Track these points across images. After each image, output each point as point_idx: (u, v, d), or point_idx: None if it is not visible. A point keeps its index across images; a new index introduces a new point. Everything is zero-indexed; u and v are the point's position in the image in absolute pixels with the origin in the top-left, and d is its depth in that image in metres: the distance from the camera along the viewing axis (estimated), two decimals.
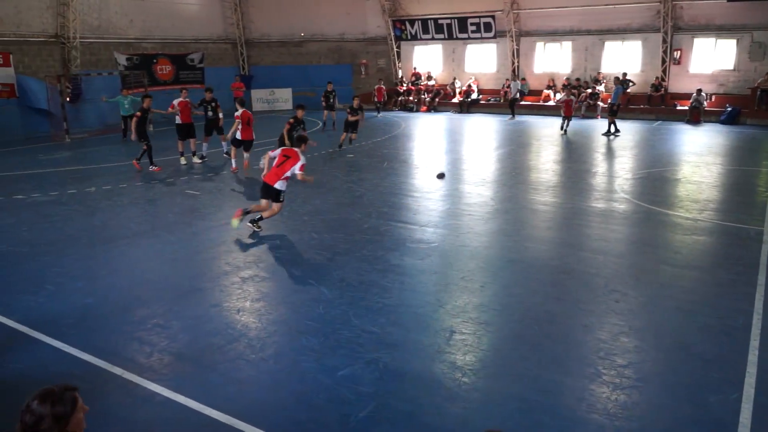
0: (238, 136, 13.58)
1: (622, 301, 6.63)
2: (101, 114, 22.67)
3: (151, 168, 13.98)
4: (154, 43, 26.22)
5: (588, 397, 4.80)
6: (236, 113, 13.71)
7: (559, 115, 21.47)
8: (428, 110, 28.53)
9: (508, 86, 27.84)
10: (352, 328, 5.97)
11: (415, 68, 30.58)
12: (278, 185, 8.95)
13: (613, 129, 19.93)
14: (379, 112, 27.50)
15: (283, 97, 29.50)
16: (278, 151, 9.28)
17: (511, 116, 25.16)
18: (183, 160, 14.98)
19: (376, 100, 27.79)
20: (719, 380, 4.99)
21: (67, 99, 20.69)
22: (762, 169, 14.48)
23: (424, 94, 29.24)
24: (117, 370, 5.20)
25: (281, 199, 9.12)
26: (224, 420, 4.49)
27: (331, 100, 21.61)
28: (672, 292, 6.95)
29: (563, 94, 23.08)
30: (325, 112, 21.90)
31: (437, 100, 28.92)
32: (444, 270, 7.70)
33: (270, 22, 30.34)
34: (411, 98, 29.35)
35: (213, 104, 15.20)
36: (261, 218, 9.25)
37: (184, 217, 10.32)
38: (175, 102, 14.88)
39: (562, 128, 20.75)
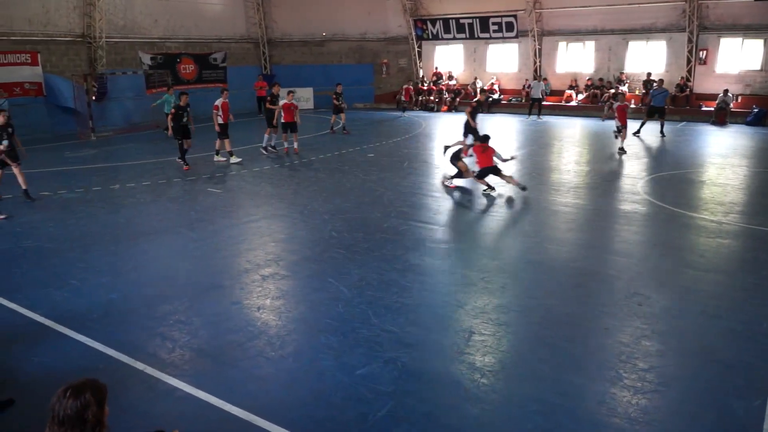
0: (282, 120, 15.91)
1: (644, 304, 6.55)
2: (126, 112, 23.00)
3: (180, 162, 14.25)
4: (177, 43, 26.51)
5: (609, 401, 4.75)
6: (282, 102, 16.13)
7: (584, 115, 21.04)
8: (449, 110, 28.44)
9: (529, 86, 27.68)
10: (371, 327, 5.99)
11: (436, 68, 30.51)
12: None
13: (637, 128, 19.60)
14: (404, 112, 27.26)
15: (305, 97, 29.62)
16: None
17: (529, 116, 24.93)
18: (233, 159, 15.15)
19: (403, 99, 27.40)
20: (743, 386, 4.91)
21: (93, 98, 21.01)
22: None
23: (445, 94, 29.16)
24: (139, 365, 5.28)
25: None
26: (243, 416, 4.54)
27: (340, 102, 20.52)
28: (696, 296, 6.85)
29: (612, 99, 19.20)
30: (334, 116, 20.76)
31: (458, 99, 28.81)
32: (464, 270, 7.68)
33: (292, 21, 30.50)
34: (432, 98, 29.30)
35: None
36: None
37: (205, 214, 10.43)
38: (219, 102, 15.08)
39: (619, 144, 16.63)
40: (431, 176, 13.86)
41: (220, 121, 14.95)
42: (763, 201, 11.45)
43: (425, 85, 30.07)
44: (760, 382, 4.92)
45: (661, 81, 21.37)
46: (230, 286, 7.21)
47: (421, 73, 30.85)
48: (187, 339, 5.82)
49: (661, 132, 19.68)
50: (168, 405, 4.78)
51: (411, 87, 28.21)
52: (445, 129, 22.83)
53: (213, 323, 6.19)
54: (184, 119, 13.66)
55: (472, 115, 15.57)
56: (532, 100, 25.12)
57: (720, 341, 5.74)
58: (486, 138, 12.05)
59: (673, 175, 13.48)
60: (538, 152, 17.45)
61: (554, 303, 6.70)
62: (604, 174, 13.71)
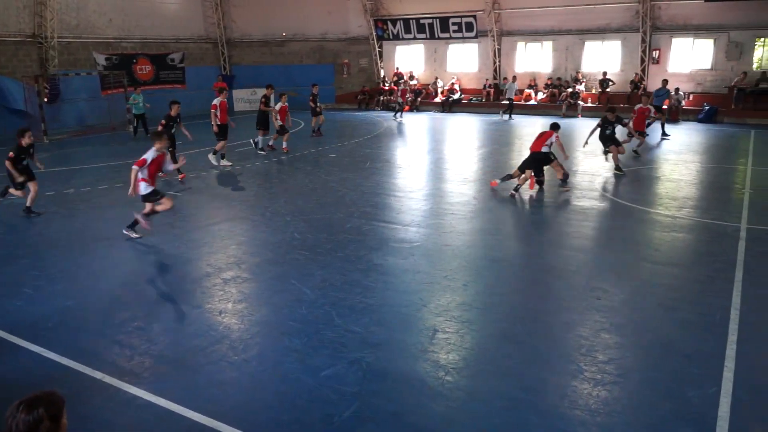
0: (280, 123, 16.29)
1: (603, 298, 6.69)
2: (80, 114, 22.43)
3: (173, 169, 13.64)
4: (133, 43, 25.97)
5: (570, 394, 4.84)
6: (279, 105, 16.39)
7: (544, 114, 21.26)
8: (410, 110, 28.58)
9: (490, 86, 28.02)
10: (335, 328, 5.96)
11: (397, 68, 30.63)
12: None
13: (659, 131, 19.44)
14: (400, 116, 25.41)
15: None
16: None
17: (504, 115, 25.11)
18: (225, 161, 14.85)
19: (400, 101, 25.94)
20: (698, 375, 5.05)
21: (45, 99, 20.41)
22: (739, 166, 14.70)
23: (406, 94, 29.28)
24: (98, 374, 5.13)
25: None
26: (206, 422, 4.46)
27: (317, 104, 19.79)
28: (652, 289, 7.03)
29: (642, 101, 16.99)
30: (314, 118, 19.90)
31: (419, 99, 28.97)
32: (427, 269, 7.72)
33: (251, 21, 30.21)
34: (393, 98, 29.39)
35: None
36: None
37: (165, 218, 10.21)
38: (217, 102, 14.64)
39: (634, 147, 16.09)
40: (394, 176, 13.90)
41: (218, 121, 14.54)
42: (715, 195, 11.83)
43: (386, 85, 30.14)
44: (714, 371, 5.07)
45: (665, 81, 21.69)
46: (191, 291, 7.09)
47: (382, 74, 30.91)
48: (147, 346, 5.69)
49: (663, 132, 19.45)
50: (128, 414, 4.66)
51: (406, 88, 27.32)
52: (408, 129, 22.93)
53: (173, 329, 6.07)
54: (173, 129, 13.09)
55: None
56: (507, 100, 25.36)
57: (676, 332, 5.90)
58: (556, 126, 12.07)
59: (629, 172, 13.81)
60: (499, 150, 17.66)
61: (516, 299, 6.80)
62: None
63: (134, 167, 8.50)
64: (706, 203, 11.28)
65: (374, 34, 30.11)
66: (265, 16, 29.97)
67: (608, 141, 13.95)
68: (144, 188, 8.67)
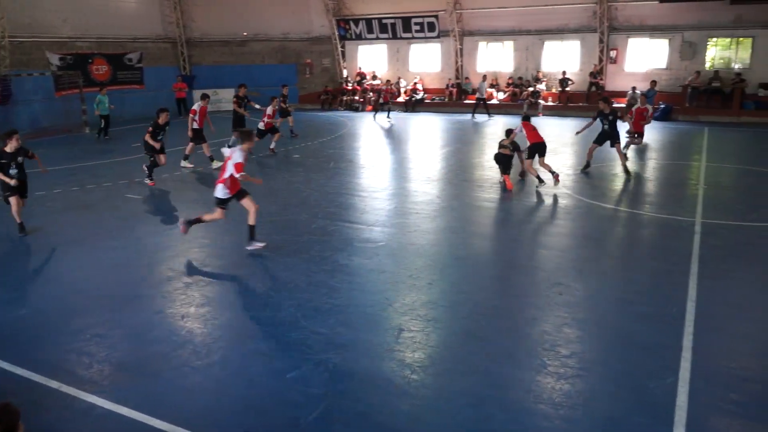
0: (262, 126, 15.95)
1: (565, 293, 6.81)
2: (34, 116, 21.76)
3: (147, 181, 12.82)
4: (89, 43, 25.27)
5: (535, 388, 4.91)
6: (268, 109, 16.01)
7: (505, 113, 21.41)
8: (374, 110, 28.58)
9: (453, 85, 28.23)
10: (300, 330, 5.92)
11: (360, 68, 30.60)
12: None
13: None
14: (387, 113, 25.17)
15: (227, 98, 28.92)
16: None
17: (475, 115, 25.24)
18: (189, 164, 14.57)
19: (382, 101, 25.49)
20: (657, 366, 5.18)
21: None
22: (693, 163, 15.13)
23: (369, 94, 29.27)
24: (54, 384, 4.99)
25: None
26: (170, 430, 4.38)
27: (287, 105, 19.30)
28: (612, 284, 7.19)
29: (640, 101, 17.23)
30: (279, 119, 18.60)
31: (382, 99, 28.99)
32: (392, 269, 7.72)
33: (212, 20, 29.74)
34: (356, 98, 29.35)
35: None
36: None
37: (124, 222, 10.00)
38: (196, 107, 14.49)
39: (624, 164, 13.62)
40: (358, 176, 13.89)
41: (195, 126, 14.32)
42: (671, 192, 12.15)
43: (349, 85, 30.09)
44: (672, 362, 5.21)
45: (653, 83, 21.90)
46: (152, 296, 6.94)
47: (345, 73, 30.85)
48: (106, 353, 5.56)
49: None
50: (87, 424, 4.55)
51: (392, 88, 26.84)
52: (371, 129, 22.93)
53: (134, 335, 5.94)
54: (160, 136, 12.63)
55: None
56: (477, 100, 25.53)
57: (635, 325, 6.04)
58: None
59: (588, 169, 14.07)
60: (462, 149, 17.80)
61: (481, 296, 6.86)
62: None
63: (239, 174, 7.97)
64: (662, 199, 11.57)
65: (337, 33, 30.02)
66: (225, 16, 29.57)
67: (607, 138, 13.35)
68: (221, 191, 8.17)
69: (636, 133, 15.93)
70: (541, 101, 25.71)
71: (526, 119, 12.70)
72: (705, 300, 6.50)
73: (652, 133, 20.49)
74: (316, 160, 15.59)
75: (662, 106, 23.85)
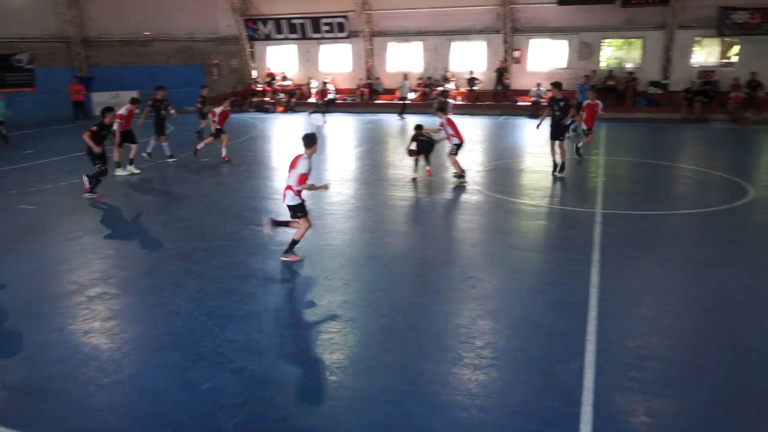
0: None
1: (477, 286, 6.99)
2: None
3: (88, 194, 11.48)
4: None
5: (452, 381, 5.00)
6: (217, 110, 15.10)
7: (415, 112, 21.69)
8: (285, 111, 28.24)
9: (364, 86, 28.36)
10: (213, 339, 5.74)
11: (269, 68, 30.14)
12: None
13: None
14: (323, 114, 24.59)
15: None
16: None
17: (400, 115, 25.38)
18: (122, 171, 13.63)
19: (320, 102, 24.83)
20: (565, 351, 5.42)
21: None
22: (593, 157, 15.97)
23: (280, 95, 28.89)
24: None
25: None
26: None
27: (204, 107, 18.04)
28: (521, 275, 7.46)
29: (589, 95, 16.82)
30: (203, 122, 17.94)
31: (294, 100, 28.71)
32: (307, 271, 7.65)
33: (111, 19, 28.36)
34: (267, 99, 28.88)
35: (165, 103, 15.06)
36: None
37: (17, 234, 9.32)
38: (124, 111, 13.54)
39: (577, 153, 15.33)
40: (270, 178, 13.66)
41: (120, 129, 13.38)
42: (574, 185, 12.78)
43: (259, 86, 29.57)
44: (578, 346, 5.47)
45: (587, 77, 22.42)
46: (51, 312, 6.50)
47: (254, 74, 30.29)
48: (1, 377, 5.15)
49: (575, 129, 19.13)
50: None
51: (327, 88, 26.11)
52: (282, 130, 22.64)
53: (31, 355, 5.54)
54: (106, 138, 11.56)
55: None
56: (400, 99, 25.73)
57: (543, 313, 6.29)
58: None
59: (497, 166, 14.58)
60: (374, 149, 17.92)
61: (397, 294, 6.92)
62: (435, 167, 14.42)
63: (301, 187, 7.53)
64: (565, 192, 12.16)
65: (245, 33, 29.42)
66: (125, 14, 28.27)
67: (560, 131, 13.28)
68: (291, 198, 7.67)
69: (588, 129, 15.49)
70: (450, 100, 26.32)
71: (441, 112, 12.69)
72: (606, 286, 6.88)
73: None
74: (226, 163, 15.19)
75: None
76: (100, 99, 27.19)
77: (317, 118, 24.63)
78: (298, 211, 7.73)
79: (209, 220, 9.97)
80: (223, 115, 15.06)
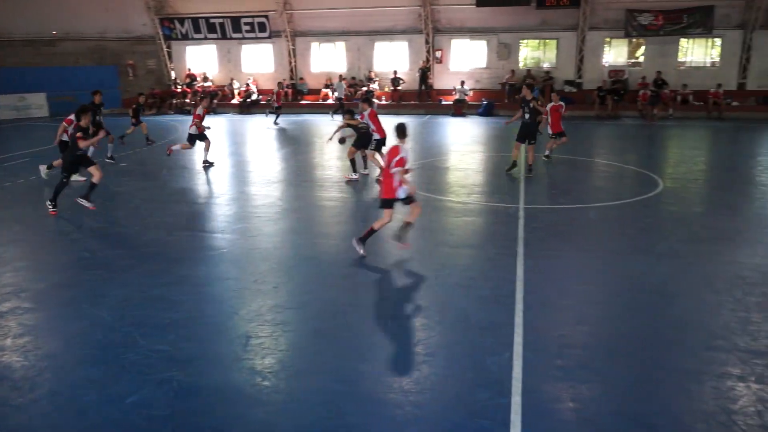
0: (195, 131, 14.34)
1: (408, 284, 7.06)
2: None
3: (83, 200, 10.27)
4: None
5: (385, 379, 5.03)
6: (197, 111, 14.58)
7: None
8: (207, 113, 27.49)
9: (287, 86, 28.06)
10: (138, 350, 5.51)
11: (189, 69, 29.29)
12: None
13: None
14: (276, 116, 23.72)
15: (37, 103, 26.16)
16: None
17: (336, 115, 25.15)
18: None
19: (275, 104, 23.87)
20: (494, 344, 5.57)
21: None
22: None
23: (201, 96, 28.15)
24: None
25: None
26: None
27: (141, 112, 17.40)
28: (451, 271, 7.59)
29: (541, 98, 16.90)
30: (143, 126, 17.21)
31: (215, 101, 28.03)
32: (236, 275, 7.49)
33: (13, 17, 26.73)
34: (187, 100, 28.05)
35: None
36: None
37: None
38: (73, 117, 11.96)
39: (548, 156, 15.07)
40: (194, 182, 13.29)
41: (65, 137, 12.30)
42: (497, 181, 13.14)
43: (179, 87, 28.69)
44: (506, 338, 5.63)
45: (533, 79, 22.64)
46: None
47: (173, 75, 29.35)
48: None
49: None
50: None
51: (281, 90, 24.96)
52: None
53: None
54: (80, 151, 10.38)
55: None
56: (336, 100, 25.52)
57: (473, 307, 6.44)
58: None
59: (423, 164, 14.78)
60: (301, 150, 17.77)
61: (328, 295, 6.89)
62: (361, 167, 14.48)
63: (399, 168, 7.74)
64: (490, 188, 12.48)
65: (161, 33, 28.45)
66: (30, 12, 26.70)
67: (527, 133, 13.00)
68: (404, 191, 7.90)
69: (556, 134, 14.71)
70: (375, 100, 26.46)
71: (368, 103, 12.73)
72: (531, 278, 7.12)
73: (478, 127, 22.03)
74: (146, 168, 14.66)
75: (485, 102, 25.73)
76: (4, 102, 25.62)
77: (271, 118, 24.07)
78: (411, 198, 8.11)
79: (130, 226, 9.58)
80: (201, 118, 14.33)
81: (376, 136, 12.38)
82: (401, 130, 8.02)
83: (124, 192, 12.09)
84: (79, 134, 9.98)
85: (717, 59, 25.71)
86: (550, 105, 14.88)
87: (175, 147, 14.73)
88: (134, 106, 17.27)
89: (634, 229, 9.39)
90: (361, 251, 7.94)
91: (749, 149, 17.26)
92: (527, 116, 13.06)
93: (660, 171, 13.66)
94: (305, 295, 6.94)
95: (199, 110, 14.61)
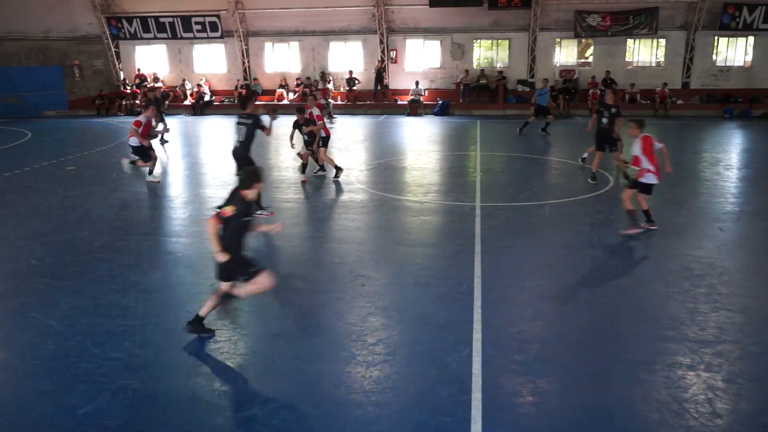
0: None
1: (367, 284, 7.07)
2: None
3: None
4: None
5: (346, 380, 5.02)
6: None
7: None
8: (155, 120, 26.84)
9: (241, 87, 27.69)
10: (91, 359, 5.35)
11: (138, 69, 28.56)
12: None
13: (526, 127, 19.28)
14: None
15: None
16: None
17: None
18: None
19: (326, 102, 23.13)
20: (454, 341, 5.62)
21: None
22: (470, 153, 16.70)
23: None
24: None
25: None
26: None
27: None
28: (409, 270, 7.63)
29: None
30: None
31: (167, 102, 27.39)
32: (191, 279, 7.35)
33: None
34: (137, 102, 27.34)
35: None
36: None
37: None
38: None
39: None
40: (144, 186, 12.95)
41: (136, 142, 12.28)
42: (454, 180, 13.28)
43: (128, 88, 27.95)
44: (465, 335, 5.69)
45: (545, 81, 22.52)
46: None
47: (122, 76, 28.59)
48: None
49: (545, 129, 19.37)
50: None
51: (325, 88, 24.19)
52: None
53: None
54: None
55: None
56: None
57: (432, 306, 6.48)
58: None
59: (380, 164, 14.81)
60: (256, 151, 17.50)
61: (286, 297, 6.82)
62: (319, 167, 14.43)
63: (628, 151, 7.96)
64: (446, 187, 12.59)
65: (108, 32, 27.66)
66: None
67: (606, 141, 12.05)
68: (654, 178, 8.66)
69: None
70: (331, 101, 26.38)
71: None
72: (489, 275, 7.22)
73: (434, 127, 22.19)
74: (95, 171, 14.22)
75: (440, 102, 25.95)
76: None
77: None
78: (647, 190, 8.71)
79: (79, 232, 9.28)
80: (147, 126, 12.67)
81: (322, 133, 12.53)
82: (640, 123, 8.84)
83: (74, 196, 11.70)
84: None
85: (662, 59, 26.57)
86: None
87: (125, 162, 13.24)
88: (153, 99, 16.93)
89: (588, 225, 9.63)
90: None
91: (694, 146, 17.91)
92: (605, 121, 11.97)
93: (610, 168, 14.02)
94: (263, 298, 6.84)
95: (142, 117, 12.61)
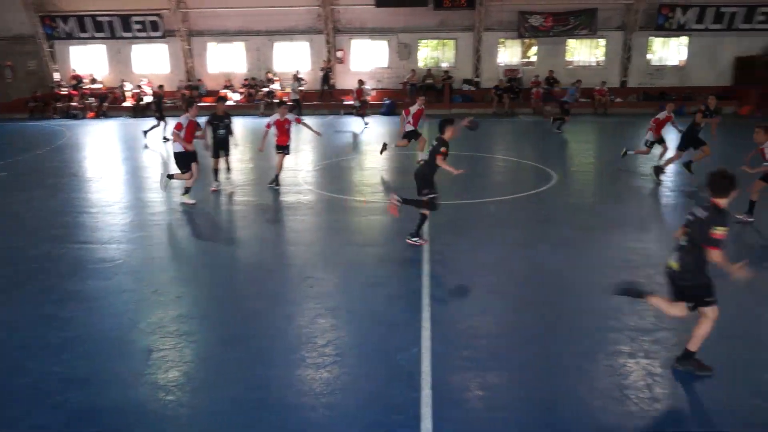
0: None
1: (315, 285, 7.02)
2: None
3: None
4: None
5: (296, 383, 4.97)
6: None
7: (242, 114, 21.12)
8: (97, 116, 26.04)
9: (185, 87, 27.08)
10: (28, 373, 5.11)
11: (74, 70, 27.55)
12: None
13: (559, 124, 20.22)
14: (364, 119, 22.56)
15: None
16: None
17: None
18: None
19: (357, 103, 23.00)
20: (403, 340, 5.64)
21: None
22: (417, 152, 16.78)
23: (89, 99, 26.55)
24: None
25: None
26: None
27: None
28: (358, 270, 7.62)
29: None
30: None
31: (106, 104, 26.55)
32: (133, 287, 7.12)
33: None
34: (74, 104, 26.38)
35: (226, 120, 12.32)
36: None
37: None
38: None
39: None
40: (85, 191, 12.52)
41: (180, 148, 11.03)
42: (401, 178, 13.32)
43: (64, 89, 26.92)
44: (414, 333, 5.72)
45: (579, 81, 22.28)
46: None
47: (57, 77, 27.51)
48: None
49: (559, 128, 20.01)
50: None
51: (361, 88, 23.47)
52: (95, 138, 20.87)
53: None
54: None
55: None
56: (293, 101, 24.85)
57: (381, 306, 6.49)
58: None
59: (328, 164, 14.75)
60: (200, 154, 17.14)
61: (234, 302, 6.72)
62: (266, 169, 14.23)
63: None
64: (394, 187, 12.62)
65: (42, 32, 26.57)
66: None
67: (691, 143, 12.53)
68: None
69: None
70: (276, 101, 26.11)
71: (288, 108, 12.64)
72: (436, 273, 7.29)
73: (382, 127, 22.23)
74: (30, 177, 13.65)
75: (387, 102, 26.04)
76: None
77: (351, 121, 22.84)
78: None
79: (13, 241, 8.88)
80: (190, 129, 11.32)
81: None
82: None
83: (7, 203, 11.19)
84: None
85: (602, 59, 27.44)
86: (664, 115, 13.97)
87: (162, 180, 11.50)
88: (156, 99, 16.26)
89: (531, 221, 9.84)
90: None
91: (632, 143, 18.54)
92: (700, 125, 12.50)
93: (554, 165, 14.38)
94: (210, 302, 6.73)
95: (183, 119, 10.85)
